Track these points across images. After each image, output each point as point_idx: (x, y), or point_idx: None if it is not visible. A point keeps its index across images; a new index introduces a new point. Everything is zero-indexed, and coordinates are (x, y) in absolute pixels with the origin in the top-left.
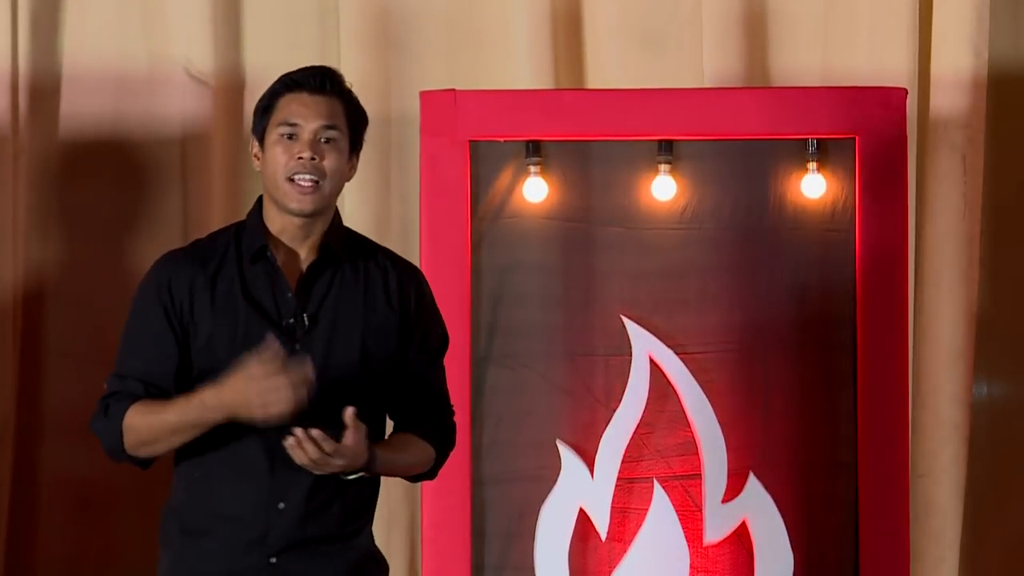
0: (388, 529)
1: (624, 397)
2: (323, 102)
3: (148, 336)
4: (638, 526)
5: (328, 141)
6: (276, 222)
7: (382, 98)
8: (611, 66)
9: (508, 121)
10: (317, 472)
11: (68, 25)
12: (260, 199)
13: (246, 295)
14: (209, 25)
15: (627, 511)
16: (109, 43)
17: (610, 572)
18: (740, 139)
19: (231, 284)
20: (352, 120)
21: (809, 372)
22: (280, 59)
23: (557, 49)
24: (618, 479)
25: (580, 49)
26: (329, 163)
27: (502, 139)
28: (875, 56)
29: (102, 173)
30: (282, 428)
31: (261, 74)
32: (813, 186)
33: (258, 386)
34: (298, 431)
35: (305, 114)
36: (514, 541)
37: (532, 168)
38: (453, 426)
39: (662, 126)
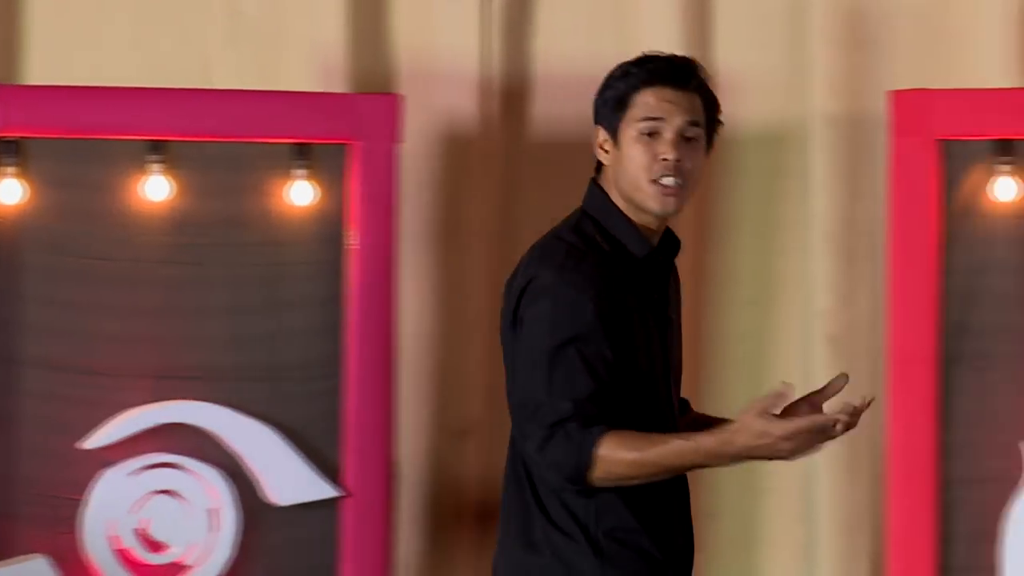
0: (851, 532)
1: None
2: (686, 98)
3: (597, 356)
4: None
5: (690, 140)
6: (634, 219)
7: (851, 97)
8: None
9: (979, 120)
10: (815, 451)
11: (540, 27)
12: (596, 190)
13: (644, 299)
14: (679, 25)
15: None
16: (580, 45)
17: None
18: None
19: (629, 289)
20: (711, 117)
21: None
22: (750, 58)
23: None
24: None
25: None
26: (691, 164)
27: (973, 138)
28: None
29: (574, 176)
30: None
31: (733, 74)
32: None
33: (803, 439)
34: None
35: (669, 110)
36: (980, 543)
37: (1002, 167)
38: None
39: None
